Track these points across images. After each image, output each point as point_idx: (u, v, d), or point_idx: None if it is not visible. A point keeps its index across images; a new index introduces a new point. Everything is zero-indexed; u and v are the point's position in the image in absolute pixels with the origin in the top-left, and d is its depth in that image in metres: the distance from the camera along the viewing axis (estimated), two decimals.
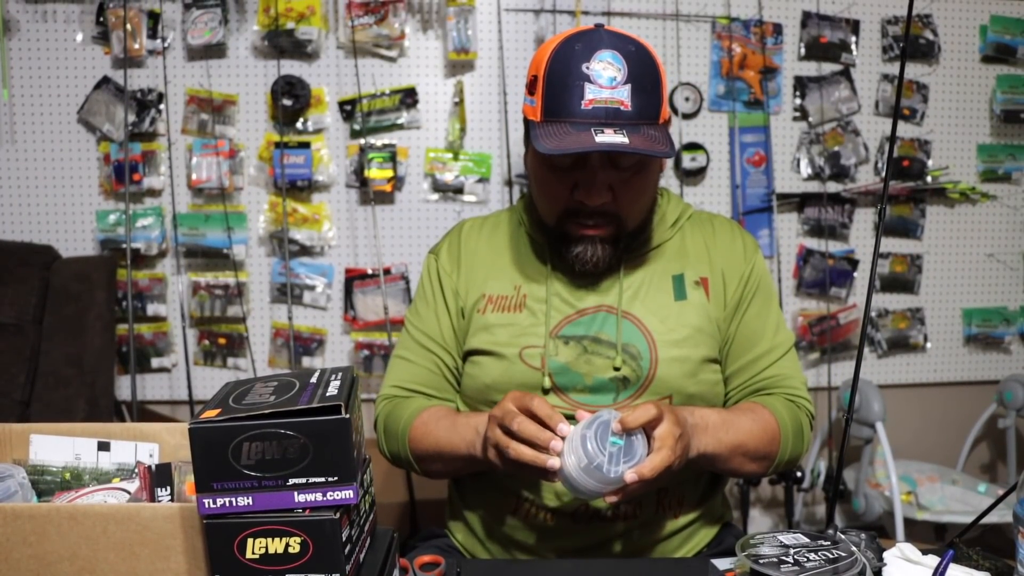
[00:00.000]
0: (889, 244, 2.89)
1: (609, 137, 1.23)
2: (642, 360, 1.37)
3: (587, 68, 1.26)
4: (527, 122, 1.38)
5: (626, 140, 1.22)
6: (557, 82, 1.28)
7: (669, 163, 2.74)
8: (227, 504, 0.84)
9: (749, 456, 1.35)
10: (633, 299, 1.40)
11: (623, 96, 1.25)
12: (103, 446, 1.07)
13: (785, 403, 1.42)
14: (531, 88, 1.34)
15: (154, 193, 2.61)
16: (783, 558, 0.99)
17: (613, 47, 1.27)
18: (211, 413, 0.85)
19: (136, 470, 1.04)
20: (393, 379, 1.52)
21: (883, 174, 2.80)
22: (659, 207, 1.48)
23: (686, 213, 1.51)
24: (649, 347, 1.37)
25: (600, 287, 1.41)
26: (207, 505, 0.84)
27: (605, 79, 1.25)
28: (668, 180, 2.74)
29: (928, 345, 2.94)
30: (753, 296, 1.46)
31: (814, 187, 2.82)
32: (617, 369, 1.36)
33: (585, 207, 1.34)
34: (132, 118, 2.54)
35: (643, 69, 1.28)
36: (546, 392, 1.38)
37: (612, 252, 1.38)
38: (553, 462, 1.13)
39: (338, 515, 0.85)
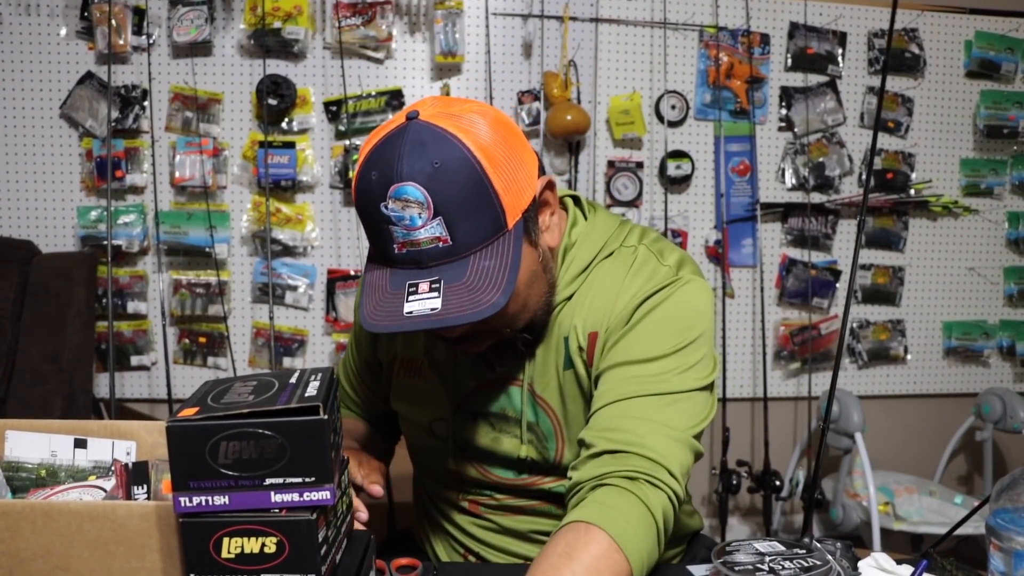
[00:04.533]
0: (871, 256, 2.91)
1: (418, 303, 1.00)
2: (548, 442, 1.22)
3: (386, 209, 1.01)
4: None
5: (437, 305, 0.99)
6: (367, 220, 1.06)
7: (654, 170, 2.75)
8: (203, 503, 0.84)
9: None
10: (536, 372, 1.21)
11: (438, 232, 1.01)
12: (80, 443, 1.06)
13: (634, 504, 1.03)
14: None
15: (136, 190, 2.60)
16: (758, 565, 1.00)
17: (411, 177, 0.99)
18: (189, 412, 0.85)
19: (113, 468, 1.04)
20: None
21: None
22: (570, 252, 1.21)
23: (605, 250, 1.21)
24: (554, 427, 1.21)
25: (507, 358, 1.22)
26: (183, 504, 0.84)
27: (408, 219, 1.00)
28: (653, 188, 2.75)
29: (908, 357, 2.97)
30: (626, 334, 1.14)
31: (798, 197, 2.84)
32: (521, 457, 1.23)
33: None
34: (115, 114, 2.52)
35: (453, 190, 1.00)
36: (456, 462, 1.28)
37: (510, 347, 1.18)
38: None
39: (315, 516, 0.84)
